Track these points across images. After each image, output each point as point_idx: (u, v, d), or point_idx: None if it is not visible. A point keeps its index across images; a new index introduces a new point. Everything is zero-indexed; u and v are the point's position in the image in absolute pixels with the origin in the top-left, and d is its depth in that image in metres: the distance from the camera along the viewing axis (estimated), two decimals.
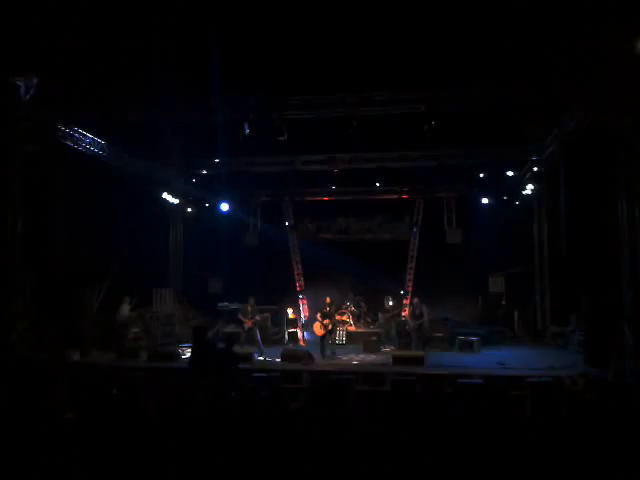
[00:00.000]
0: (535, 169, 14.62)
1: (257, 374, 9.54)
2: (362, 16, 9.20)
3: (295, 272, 18.15)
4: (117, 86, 10.73)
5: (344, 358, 12.78)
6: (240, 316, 13.28)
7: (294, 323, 15.51)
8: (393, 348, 14.00)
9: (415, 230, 17.59)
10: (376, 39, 9.68)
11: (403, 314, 15.98)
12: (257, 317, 13.28)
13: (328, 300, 13.45)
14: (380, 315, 16.42)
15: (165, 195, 16.41)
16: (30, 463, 4.27)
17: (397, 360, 11.38)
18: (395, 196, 17.60)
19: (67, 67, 9.94)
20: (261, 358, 12.23)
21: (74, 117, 11.94)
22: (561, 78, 9.92)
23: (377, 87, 11.21)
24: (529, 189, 15.24)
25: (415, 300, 13.72)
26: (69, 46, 9.42)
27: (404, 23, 9.38)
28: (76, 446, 4.55)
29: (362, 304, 16.57)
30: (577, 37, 8.63)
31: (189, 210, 18.04)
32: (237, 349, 12.07)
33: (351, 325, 15.68)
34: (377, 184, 16.94)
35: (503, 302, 16.37)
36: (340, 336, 14.97)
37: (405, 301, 16.83)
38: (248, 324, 13.03)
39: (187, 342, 12.97)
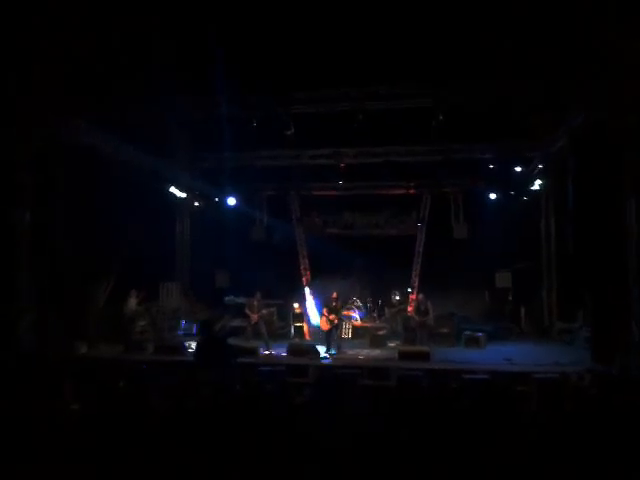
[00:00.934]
0: (543, 165, 14.54)
1: (262, 368, 9.58)
2: (367, 11, 9.17)
3: (301, 266, 18.16)
4: (117, 86, 10.71)
5: (350, 353, 12.79)
6: (246, 310, 13.31)
7: (300, 317, 15.54)
8: (399, 343, 14.00)
9: (422, 225, 17.51)
10: (381, 34, 9.64)
11: (409, 309, 15.96)
12: (263, 311, 13.33)
13: (334, 295, 13.46)
14: (386, 310, 16.43)
15: (172, 189, 16.38)
16: (35, 457, 4.30)
17: (403, 355, 11.39)
18: (402, 191, 17.53)
19: (67, 67, 9.94)
20: (267, 352, 12.28)
21: (75, 116, 11.94)
22: (561, 78, 9.85)
23: (382, 81, 11.16)
24: (537, 185, 15.15)
25: (420, 296, 13.72)
26: (69, 45, 9.41)
27: (410, 18, 9.34)
28: (82, 439, 4.58)
29: (368, 299, 16.57)
30: (577, 37, 8.57)
31: (196, 204, 18.04)
32: (244, 343, 12.19)
33: (357, 320, 15.69)
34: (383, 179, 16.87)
35: (510, 298, 16.33)
36: (346, 331, 15.00)
37: (412, 296, 16.80)
38: (254, 318, 13.07)
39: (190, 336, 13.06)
